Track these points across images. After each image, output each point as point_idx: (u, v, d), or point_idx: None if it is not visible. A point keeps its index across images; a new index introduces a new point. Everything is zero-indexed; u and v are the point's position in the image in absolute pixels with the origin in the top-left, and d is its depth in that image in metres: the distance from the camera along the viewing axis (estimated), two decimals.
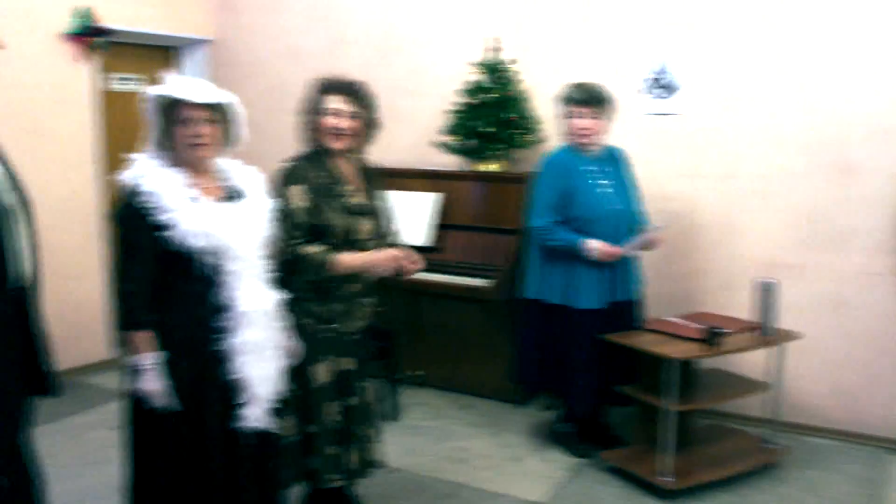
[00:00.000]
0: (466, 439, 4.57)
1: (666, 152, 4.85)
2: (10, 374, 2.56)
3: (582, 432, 4.40)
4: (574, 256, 4.03)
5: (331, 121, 3.20)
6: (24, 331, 2.65)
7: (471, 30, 5.36)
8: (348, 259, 3.15)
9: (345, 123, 3.20)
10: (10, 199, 2.55)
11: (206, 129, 2.72)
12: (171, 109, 2.69)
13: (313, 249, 3.12)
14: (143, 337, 2.64)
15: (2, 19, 4.99)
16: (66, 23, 5.44)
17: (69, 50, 5.48)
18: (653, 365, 3.90)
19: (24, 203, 2.62)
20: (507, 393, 5.03)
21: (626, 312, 4.22)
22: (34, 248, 2.63)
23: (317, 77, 3.32)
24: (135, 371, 2.65)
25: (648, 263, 4.59)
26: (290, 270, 3.14)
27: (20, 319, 2.62)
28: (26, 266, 2.59)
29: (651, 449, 4.02)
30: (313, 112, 3.25)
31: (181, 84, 2.71)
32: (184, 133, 2.70)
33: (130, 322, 2.64)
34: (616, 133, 4.38)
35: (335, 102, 3.20)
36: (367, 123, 3.29)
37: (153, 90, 2.69)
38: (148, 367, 2.63)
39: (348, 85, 3.24)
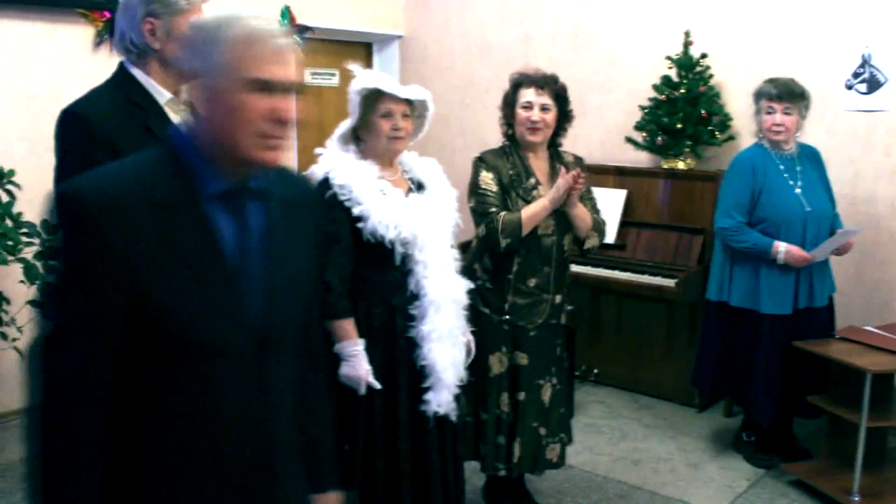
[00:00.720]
0: (643, 441, 4.51)
1: (869, 152, 4.57)
2: None
3: (765, 442, 4.25)
4: (762, 259, 3.90)
5: (524, 113, 3.26)
6: None
7: (661, 23, 5.26)
8: (534, 208, 3.18)
9: (537, 116, 3.24)
10: None
11: (405, 123, 2.83)
12: (373, 102, 2.80)
13: (504, 213, 3.18)
14: (346, 325, 2.77)
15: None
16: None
17: None
18: (844, 376, 3.72)
19: None
20: (688, 396, 4.92)
21: (814, 319, 4.04)
22: None
23: (512, 72, 3.38)
24: (339, 357, 2.78)
25: (841, 269, 4.36)
26: (485, 247, 3.20)
27: None
28: None
29: (838, 465, 3.83)
30: (508, 106, 3.33)
31: (382, 78, 2.83)
32: (385, 126, 2.81)
33: (335, 311, 2.76)
34: (814, 131, 4.20)
35: (527, 95, 3.26)
36: (560, 116, 3.32)
37: (360, 82, 2.80)
38: (353, 353, 2.76)
39: (540, 78, 3.29)
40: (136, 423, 1.51)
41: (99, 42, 4.86)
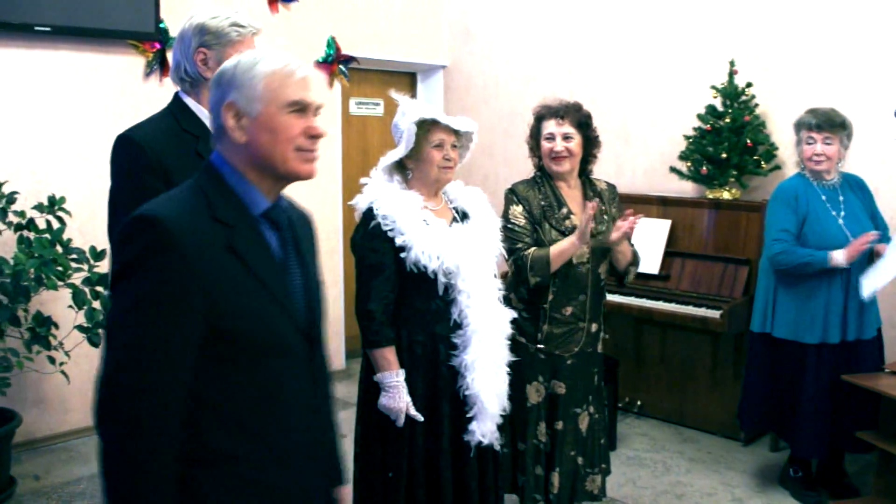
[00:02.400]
0: (687, 475, 4.44)
1: None
2: None
3: (814, 478, 4.16)
4: (806, 288, 3.85)
5: (547, 145, 3.28)
6: None
7: (706, 52, 5.24)
8: (563, 245, 3.16)
9: (560, 146, 3.25)
10: None
11: (454, 153, 2.86)
12: (425, 132, 2.83)
13: (533, 250, 3.18)
14: (388, 354, 2.77)
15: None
16: (322, 52, 5.86)
17: (322, 77, 5.88)
18: (895, 411, 3.63)
19: None
20: (733, 429, 4.84)
21: (862, 352, 3.95)
22: None
23: (537, 105, 3.41)
24: (379, 387, 2.78)
25: (891, 302, 4.28)
26: (516, 283, 3.20)
27: None
28: None
29: (889, 503, 3.73)
30: (533, 138, 3.38)
31: (431, 109, 2.86)
32: (437, 155, 2.84)
33: (376, 340, 2.77)
34: (864, 160, 4.14)
35: (549, 127, 3.29)
36: (586, 143, 3.32)
37: (416, 112, 2.82)
38: (393, 384, 2.76)
39: (561, 108, 3.31)
40: (211, 424, 1.65)
41: (149, 72, 4.97)
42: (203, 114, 2.38)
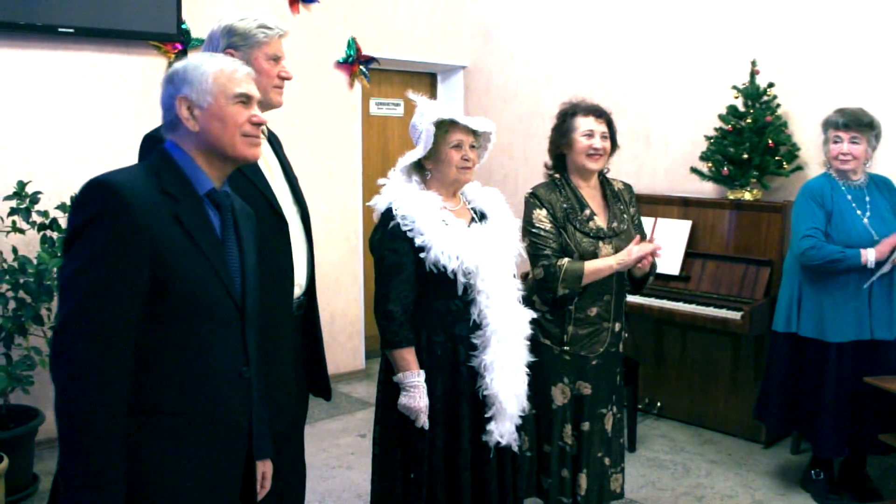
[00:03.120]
0: (707, 476, 4.41)
1: None
2: (298, 373, 2.70)
3: (836, 480, 4.13)
4: (833, 285, 3.83)
5: (585, 141, 3.26)
6: (308, 335, 2.76)
7: (727, 52, 5.21)
8: (599, 265, 3.17)
9: (599, 143, 3.25)
10: (292, 210, 2.65)
11: (472, 154, 2.86)
12: (444, 133, 2.83)
13: (566, 261, 3.17)
14: (408, 355, 2.77)
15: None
16: (342, 52, 5.87)
17: (342, 77, 5.90)
18: None
19: (305, 215, 2.70)
20: (754, 431, 4.81)
21: (886, 353, 3.92)
22: (311, 258, 2.71)
23: (564, 102, 3.38)
24: (398, 388, 2.79)
25: None
26: (541, 289, 3.20)
27: (305, 324, 2.73)
28: (304, 276, 2.66)
29: None
30: (562, 135, 3.32)
31: (451, 109, 2.86)
32: (455, 156, 2.84)
33: (396, 341, 2.77)
34: (891, 161, 4.11)
35: (588, 124, 3.26)
36: (611, 146, 3.34)
37: (434, 113, 2.82)
38: (413, 384, 2.76)
39: (597, 107, 3.31)
40: (145, 377, 1.82)
41: None
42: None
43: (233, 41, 2.46)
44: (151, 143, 2.31)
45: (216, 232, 1.96)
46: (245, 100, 1.98)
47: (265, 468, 2.22)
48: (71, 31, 4.49)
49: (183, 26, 4.97)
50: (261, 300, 2.11)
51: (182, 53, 5.00)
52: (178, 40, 4.96)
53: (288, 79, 2.63)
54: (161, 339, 1.84)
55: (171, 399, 1.86)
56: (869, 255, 3.74)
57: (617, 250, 3.24)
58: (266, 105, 2.46)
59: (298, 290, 2.61)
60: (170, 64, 4.97)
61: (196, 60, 1.98)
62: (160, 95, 2.00)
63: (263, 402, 2.14)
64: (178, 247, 1.84)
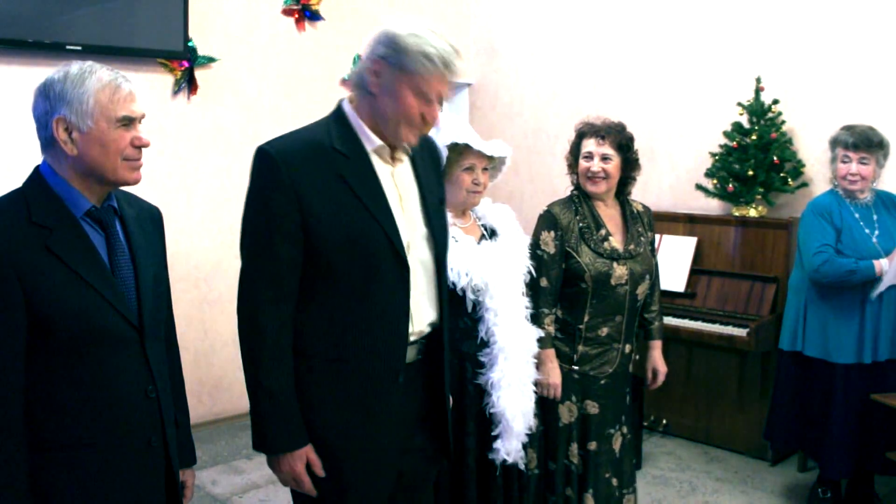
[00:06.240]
0: (713, 495, 4.39)
1: None
2: (412, 428, 2.41)
3: (843, 498, 4.11)
4: (839, 306, 3.82)
5: (583, 164, 3.26)
6: (429, 388, 2.39)
7: (732, 69, 5.22)
8: (548, 362, 3.16)
9: (596, 166, 3.22)
10: (423, 248, 2.27)
11: (484, 177, 2.86)
12: (457, 155, 2.83)
13: (544, 325, 3.15)
14: None
15: (301, 68, 5.49)
16: (348, 69, 5.90)
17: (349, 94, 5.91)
18: None
19: (440, 255, 2.32)
20: (761, 449, 4.79)
21: (894, 372, 3.90)
22: (441, 303, 2.33)
23: (580, 122, 3.38)
24: None
25: None
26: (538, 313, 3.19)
27: (426, 375, 2.37)
28: (423, 322, 2.28)
29: None
30: (572, 155, 3.34)
31: (466, 131, 2.84)
32: (467, 179, 2.84)
33: None
34: (891, 177, 4.11)
35: (588, 146, 3.26)
36: (625, 165, 3.29)
37: (449, 136, 2.81)
38: None
39: (603, 127, 3.27)
40: (45, 413, 1.81)
41: (177, 90, 5.02)
42: (363, 131, 2.15)
43: (388, 54, 2.06)
44: (261, 157, 2.12)
45: (99, 253, 1.89)
46: (127, 122, 1.88)
47: (186, 476, 2.21)
48: (79, 48, 4.51)
49: (189, 44, 4.99)
50: (363, 353, 2.09)
51: (188, 71, 5.02)
52: (184, 58, 4.98)
53: (432, 125, 2.16)
54: (55, 372, 1.81)
55: (75, 431, 1.83)
56: (883, 265, 3.72)
57: (631, 272, 3.23)
58: (393, 140, 2.15)
59: (416, 336, 2.24)
60: (176, 81, 4.99)
61: (75, 76, 1.84)
62: (32, 105, 1.89)
63: (171, 411, 2.08)
64: (53, 279, 1.78)
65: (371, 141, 2.12)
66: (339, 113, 2.18)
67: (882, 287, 3.75)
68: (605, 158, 3.22)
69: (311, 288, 2.09)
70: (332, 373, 2.12)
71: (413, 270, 2.16)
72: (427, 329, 2.27)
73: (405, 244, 2.12)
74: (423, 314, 2.24)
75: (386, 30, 2.09)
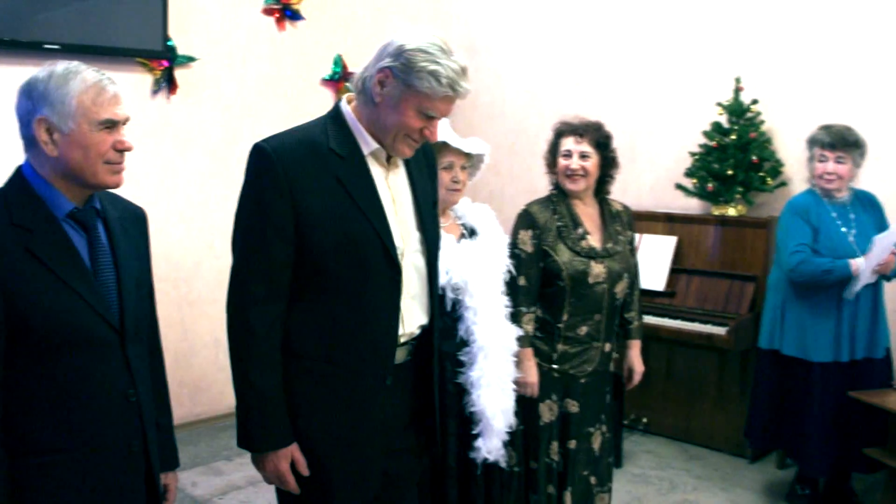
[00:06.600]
0: (693, 492, 4.42)
1: None
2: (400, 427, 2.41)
3: (821, 496, 4.14)
4: (816, 305, 3.85)
5: (562, 162, 3.27)
6: (418, 389, 2.38)
7: (711, 70, 5.25)
8: (526, 361, 3.16)
9: (575, 164, 3.23)
10: (415, 251, 2.28)
11: (463, 175, 2.86)
12: (435, 153, 2.81)
13: (523, 324, 3.16)
14: None
15: (282, 68, 5.47)
16: (329, 70, 5.89)
17: (329, 95, 5.90)
18: None
19: (432, 258, 2.32)
20: (740, 447, 4.82)
21: (871, 371, 3.94)
22: (433, 307, 2.33)
23: (558, 121, 3.39)
24: None
25: None
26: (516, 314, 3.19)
27: (416, 377, 2.37)
28: (413, 324, 2.28)
29: None
30: (551, 154, 3.35)
31: (444, 129, 2.83)
32: (445, 178, 2.84)
33: None
34: (872, 176, 4.14)
35: (567, 144, 3.27)
36: (604, 163, 3.30)
37: None
38: None
39: (581, 126, 3.28)
40: (23, 418, 1.80)
41: (156, 90, 5.00)
42: (360, 133, 2.14)
43: (396, 67, 2.03)
44: (256, 153, 2.10)
45: (81, 255, 1.87)
46: (111, 125, 1.86)
47: (169, 480, 2.20)
48: (57, 47, 4.48)
49: (169, 43, 4.97)
50: (351, 354, 2.09)
51: (168, 71, 5.00)
52: (164, 57, 4.96)
53: (431, 140, 2.16)
54: (33, 376, 1.80)
55: (52, 436, 1.82)
56: (859, 265, 3.75)
57: (609, 270, 3.24)
58: (390, 150, 2.15)
59: (406, 338, 2.24)
60: (156, 81, 4.96)
61: (61, 74, 1.83)
62: (15, 104, 1.87)
63: (152, 414, 2.06)
64: (33, 281, 1.77)
65: (368, 144, 2.13)
66: (336, 113, 2.18)
67: (857, 287, 3.78)
68: (583, 156, 3.23)
69: (302, 288, 2.09)
70: (320, 373, 2.12)
71: (405, 274, 2.16)
72: (417, 331, 2.27)
73: (398, 248, 2.13)
74: (413, 317, 2.24)
75: (397, 41, 2.04)
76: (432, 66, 2.00)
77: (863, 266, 3.74)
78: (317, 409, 2.13)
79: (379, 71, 2.06)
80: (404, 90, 2.03)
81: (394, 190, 2.20)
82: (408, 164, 2.27)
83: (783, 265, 3.95)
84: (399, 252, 2.13)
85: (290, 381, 2.10)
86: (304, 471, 2.12)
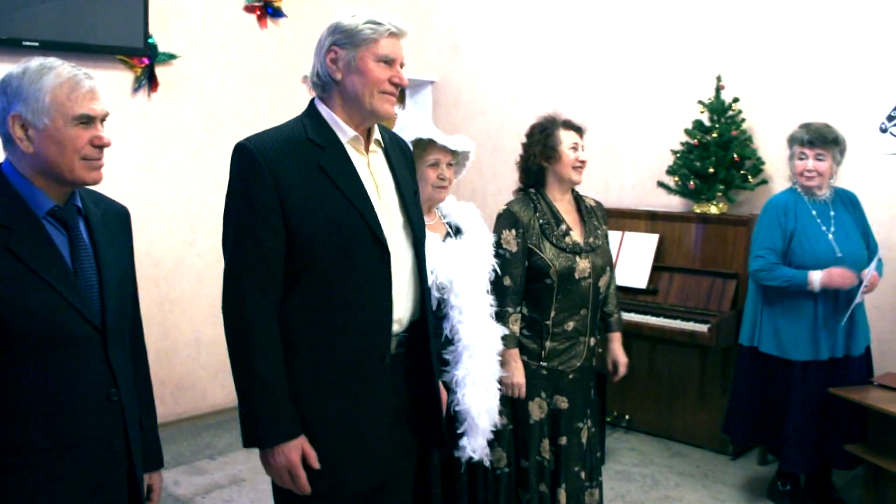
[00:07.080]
0: (675, 489, 4.44)
1: None
2: (396, 419, 2.40)
3: (802, 491, 4.17)
4: (792, 305, 3.87)
5: (572, 154, 3.27)
6: (414, 377, 2.40)
7: (692, 68, 5.28)
8: (511, 361, 3.17)
9: (584, 156, 3.29)
10: (401, 236, 2.32)
11: (449, 172, 2.86)
12: (421, 151, 2.83)
13: (516, 321, 3.18)
14: None
15: (264, 65, 5.44)
16: (310, 67, 5.86)
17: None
18: (882, 424, 3.64)
19: (418, 243, 2.37)
20: (721, 443, 4.85)
21: (850, 368, 3.97)
22: (421, 292, 2.35)
23: (544, 116, 3.38)
24: None
25: (880, 315, 4.31)
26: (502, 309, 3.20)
27: (412, 365, 2.38)
28: (406, 311, 2.30)
29: None
30: (548, 147, 3.29)
31: (429, 127, 2.86)
32: (432, 175, 2.85)
33: None
34: (850, 174, 4.17)
35: (574, 137, 3.29)
36: None
37: (413, 131, 2.82)
38: None
39: (574, 123, 3.35)
40: (1, 415, 1.78)
41: (137, 87, 4.97)
42: (336, 123, 2.22)
43: (337, 39, 2.18)
44: (239, 152, 2.16)
45: (62, 254, 1.85)
46: (87, 121, 1.85)
47: (153, 480, 2.18)
48: (36, 44, 4.45)
49: (150, 40, 4.94)
50: (349, 338, 2.10)
51: (149, 68, 4.97)
52: (144, 54, 4.93)
53: (402, 85, 2.23)
54: (13, 375, 1.78)
55: (32, 436, 1.79)
56: (815, 282, 3.78)
57: (593, 265, 3.25)
58: (371, 115, 2.21)
59: (397, 326, 2.25)
60: (136, 78, 4.93)
61: (33, 72, 1.82)
62: None
63: (135, 413, 2.05)
64: (13, 279, 1.75)
65: (345, 132, 2.19)
66: (311, 109, 2.25)
67: (849, 312, 3.83)
68: (583, 150, 3.32)
69: (294, 279, 2.10)
70: (319, 364, 2.12)
71: (393, 256, 2.18)
72: (409, 316, 2.28)
73: (384, 229, 2.16)
74: (404, 299, 2.26)
75: (326, 27, 2.21)
76: (366, 17, 2.15)
77: (824, 278, 3.76)
78: (317, 399, 2.13)
79: (326, 54, 2.19)
80: (354, 50, 2.15)
81: (375, 176, 2.24)
82: (387, 152, 2.31)
83: (749, 266, 4.01)
84: (385, 233, 2.16)
85: (291, 376, 2.10)
86: (315, 464, 2.11)
